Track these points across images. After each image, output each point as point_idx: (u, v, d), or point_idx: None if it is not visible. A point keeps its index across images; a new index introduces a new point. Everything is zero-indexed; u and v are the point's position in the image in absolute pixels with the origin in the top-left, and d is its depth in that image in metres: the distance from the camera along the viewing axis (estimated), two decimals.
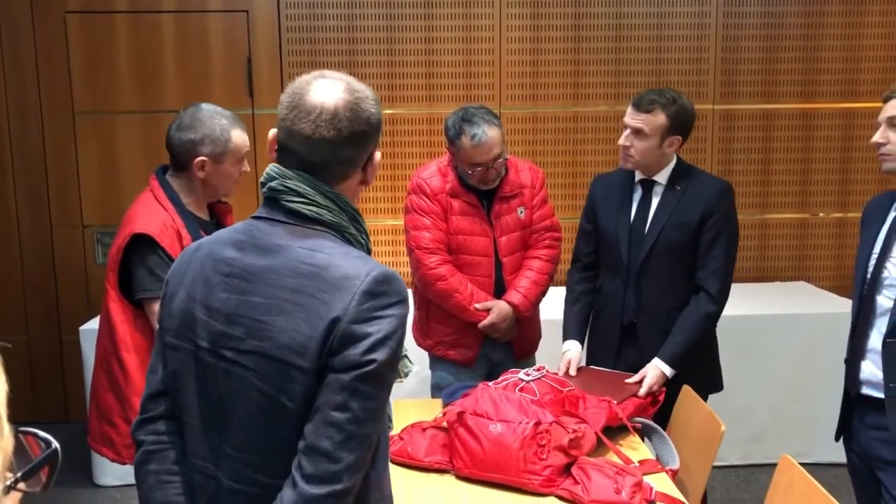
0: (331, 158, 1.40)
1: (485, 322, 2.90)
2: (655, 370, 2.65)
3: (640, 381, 2.63)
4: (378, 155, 1.48)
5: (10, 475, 0.80)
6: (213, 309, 1.40)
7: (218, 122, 2.29)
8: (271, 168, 1.43)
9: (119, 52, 4.36)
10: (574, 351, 2.83)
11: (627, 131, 2.70)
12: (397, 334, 1.34)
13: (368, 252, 1.47)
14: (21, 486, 0.82)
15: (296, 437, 1.32)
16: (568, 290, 2.97)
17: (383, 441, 1.47)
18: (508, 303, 2.92)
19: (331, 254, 1.36)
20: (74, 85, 4.37)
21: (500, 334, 2.94)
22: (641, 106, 2.67)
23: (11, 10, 4.32)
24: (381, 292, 1.33)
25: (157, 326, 2.15)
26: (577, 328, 2.89)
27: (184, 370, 1.44)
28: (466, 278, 2.91)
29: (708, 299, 2.70)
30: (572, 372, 2.77)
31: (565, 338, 2.89)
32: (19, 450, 0.82)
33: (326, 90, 1.40)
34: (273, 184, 1.41)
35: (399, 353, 1.36)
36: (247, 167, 2.40)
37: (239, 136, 2.33)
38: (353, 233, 1.44)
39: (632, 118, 2.70)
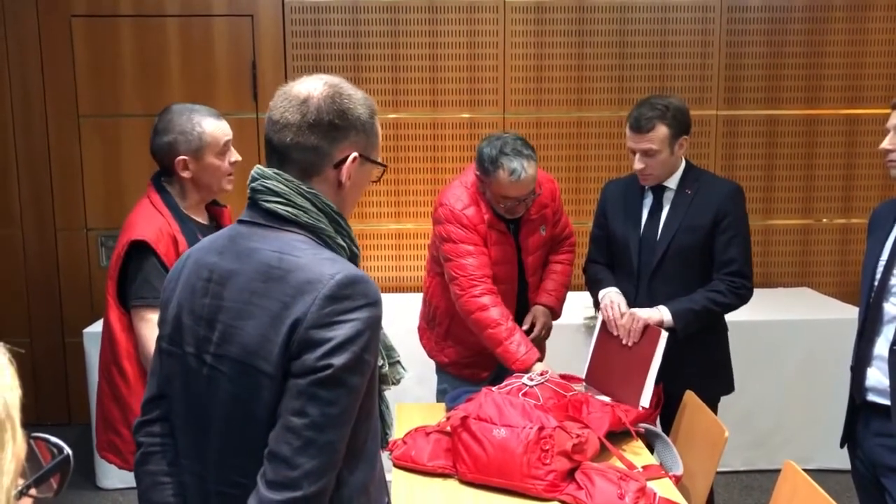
0: (293, 144, 1.39)
1: (533, 335, 2.84)
2: (657, 313, 2.66)
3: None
4: (354, 154, 1.42)
5: (21, 481, 0.80)
6: (197, 315, 1.42)
7: (188, 118, 2.26)
8: (255, 169, 1.44)
9: (124, 55, 4.37)
10: (614, 292, 2.77)
11: (637, 155, 2.70)
12: (362, 338, 1.30)
13: (354, 256, 1.45)
14: (32, 491, 0.82)
15: (265, 442, 1.32)
16: (592, 269, 2.94)
17: (371, 444, 1.44)
18: (544, 305, 2.91)
19: (299, 256, 1.34)
20: (79, 88, 4.39)
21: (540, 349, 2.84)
22: (642, 128, 2.66)
23: (17, 14, 4.33)
24: (345, 296, 1.30)
25: (142, 334, 2.18)
26: (611, 280, 2.85)
27: (175, 375, 1.46)
28: (508, 312, 2.76)
29: (727, 290, 2.69)
30: (623, 309, 2.69)
31: (599, 288, 2.83)
32: (30, 455, 0.82)
33: (310, 83, 1.42)
34: (254, 184, 1.42)
35: (365, 357, 1.32)
36: (236, 156, 2.34)
37: (213, 126, 2.28)
38: (331, 234, 1.42)
39: (637, 143, 2.68)
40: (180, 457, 1.49)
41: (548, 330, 2.95)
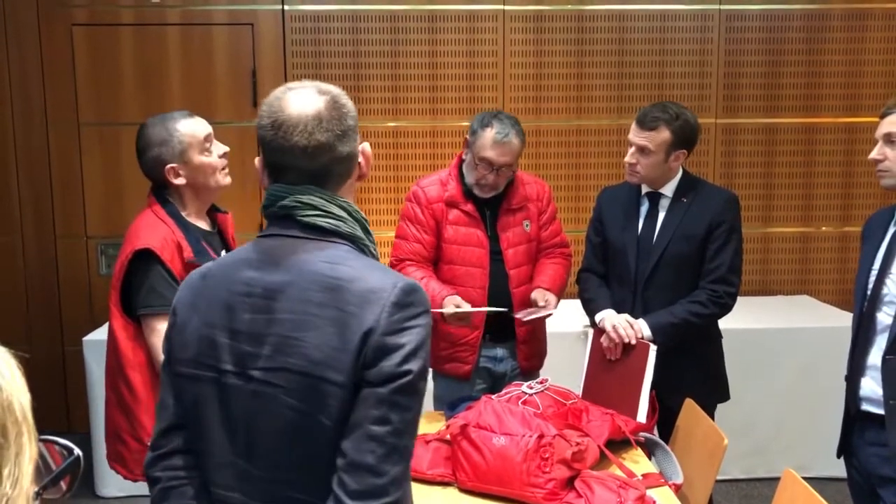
0: (332, 160, 1.40)
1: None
2: (636, 328, 2.66)
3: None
4: (367, 145, 1.48)
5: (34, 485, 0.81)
6: (237, 331, 1.38)
7: (163, 127, 2.27)
8: (276, 189, 1.41)
9: (124, 64, 4.38)
10: (613, 314, 2.75)
11: (632, 149, 2.72)
12: (426, 344, 1.34)
13: (375, 258, 1.47)
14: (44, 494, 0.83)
15: (330, 453, 1.31)
16: (586, 284, 2.93)
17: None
18: (542, 287, 2.90)
19: (353, 266, 1.36)
20: (80, 96, 4.40)
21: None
22: (645, 124, 2.69)
23: (19, 22, 4.35)
24: (409, 303, 1.33)
25: (153, 343, 2.16)
26: (608, 301, 2.82)
27: (205, 399, 1.41)
28: (433, 276, 2.90)
29: (708, 300, 2.70)
30: (641, 333, 2.67)
31: (597, 310, 2.81)
32: (40, 458, 0.83)
33: (302, 100, 1.41)
34: (284, 202, 1.40)
35: (428, 362, 1.35)
36: (223, 148, 2.35)
37: (187, 125, 2.29)
38: (366, 243, 1.44)
39: (636, 136, 2.71)
40: (212, 486, 1.43)
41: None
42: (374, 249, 1.46)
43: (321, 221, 1.39)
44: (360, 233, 1.43)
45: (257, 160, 1.46)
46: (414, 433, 1.35)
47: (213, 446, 1.41)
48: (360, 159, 1.47)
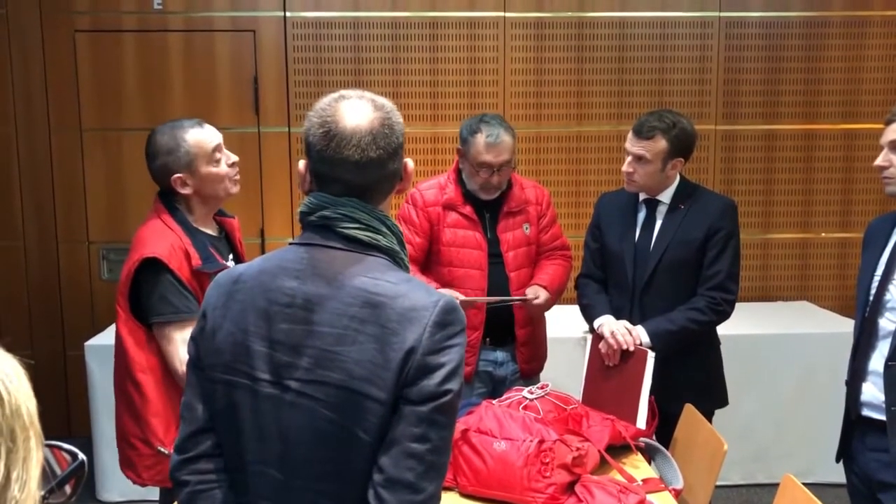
0: (380, 177, 1.41)
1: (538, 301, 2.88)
2: (634, 334, 2.67)
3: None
4: (410, 161, 1.49)
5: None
6: (274, 340, 1.38)
7: (171, 136, 2.27)
8: (318, 198, 1.41)
9: (127, 70, 4.40)
10: (612, 320, 2.75)
11: (629, 158, 2.74)
12: (463, 362, 1.36)
13: (407, 271, 1.48)
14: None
15: (365, 466, 1.33)
16: (584, 290, 2.94)
17: None
18: (538, 285, 2.93)
19: (395, 282, 1.37)
20: (82, 102, 4.41)
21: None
22: (642, 133, 2.70)
23: (22, 28, 4.36)
24: (449, 322, 1.34)
25: (167, 350, 2.18)
26: (607, 307, 2.83)
27: (238, 405, 1.40)
28: (419, 273, 2.92)
29: (706, 307, 2.71)
30: (639, 339, 2.67)
31: (595, 316, 2.81)
32: (45, 462, 0.84)
33: (357, 113, 1.40)
34: (325, 212, 1.40)
35: (462, 380, 1.37)
36: (232, 158, 2.35)
37: (196, 136, 2.28)
38: (402, 257, 1.45)
39: (633, 145, 2.73)
40: (244, 493, 1.43)
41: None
42: (408, 262, 1.47)
43: (362, 235, 1.40)
44: (397, 246, 1.44)
45: (302, 163, 1.46)
46: (450, 450, 1.37)
47: (244, 453, 1.41)
48: (406, 178, 1.49)
